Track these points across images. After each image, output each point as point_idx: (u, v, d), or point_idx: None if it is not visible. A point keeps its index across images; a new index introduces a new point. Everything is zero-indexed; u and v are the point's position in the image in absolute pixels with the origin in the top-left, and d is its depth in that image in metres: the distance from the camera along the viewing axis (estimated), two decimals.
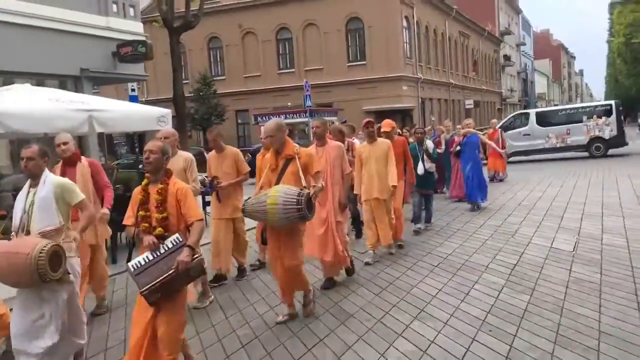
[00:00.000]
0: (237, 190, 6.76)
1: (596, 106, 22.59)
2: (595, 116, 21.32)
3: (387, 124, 8.12)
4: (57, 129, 7.67)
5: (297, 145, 5.37)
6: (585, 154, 21.46)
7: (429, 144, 9.51)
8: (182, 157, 6.14)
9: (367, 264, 7.26)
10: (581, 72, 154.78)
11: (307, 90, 25.78)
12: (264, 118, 26.82)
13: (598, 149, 21.24)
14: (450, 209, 11.46)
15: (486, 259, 7.09)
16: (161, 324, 3.87)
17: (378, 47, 31.44)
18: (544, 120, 22.09)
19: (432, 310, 5.34)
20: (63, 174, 5.48)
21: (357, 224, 8.98)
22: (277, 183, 5.12)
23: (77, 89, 11.75)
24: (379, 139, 7.50)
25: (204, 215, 3.98)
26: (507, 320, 4.89)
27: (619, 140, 21.14)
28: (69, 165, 5.75)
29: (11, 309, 4.34)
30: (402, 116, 31.60)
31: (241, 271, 7.15)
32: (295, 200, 4.76)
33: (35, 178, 4.37)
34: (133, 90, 18.74)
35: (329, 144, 6.34)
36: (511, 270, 6.46)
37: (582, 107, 23.12)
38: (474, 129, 12.07)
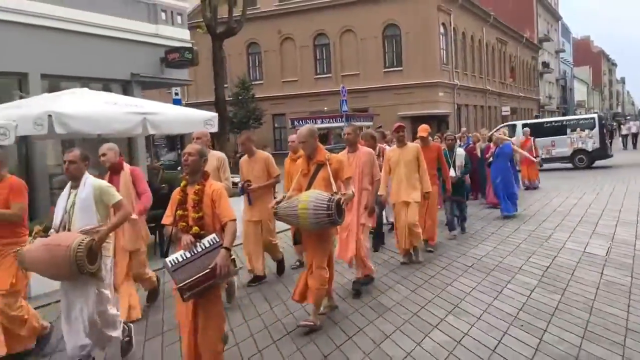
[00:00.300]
0: (267, 194, 6.93)
1: (580, 119, 23.55)
2: (578, 129, 21.81)
3: (423, 129, 8.31)
4: (114, 130, 8.29)
5: (327, 151, 5.54)
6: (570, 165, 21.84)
7: (460, 151, 9.58)
8: (215, 157, 6.37)
9: (403, 263, 7.50)
10: (622, 80, 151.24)
11: (344, 96, 26.23)
12: (300, 122, 27.22)
13: (581, 160, 21.71)
14: (485, 213, 11.66)
15: (519, 261, 7.32)
16: (201, 322, 4.07)
17: (415, 53, 31.63)
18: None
19: (466, 306, 5.63)
20: (110, 182, 5.71)
21: (378, 234, 8.70)
22: (309, 188, 5.28)
23: (128, 92, 12.34)
24: (409, 144, 7.65)
25: (236, 216, 4.17)
26: (538, 317, 5.15)
27: (602, 152, 21.65)
28: (114, 174, 6.04)
29: (58, 301, 4.73)
30: (438, 122, 31.68)
31: (280, 266, 7.41)
32: (325, 205, 4.88)
33: (76, 180, 4.64)
34: (177, 94, 19.48)
35: (360, 150, 6.44)
36: (543, 272, 6.69)
37: (567, 120, 23.94)
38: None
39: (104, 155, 5.99)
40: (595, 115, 23.14)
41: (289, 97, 34.61)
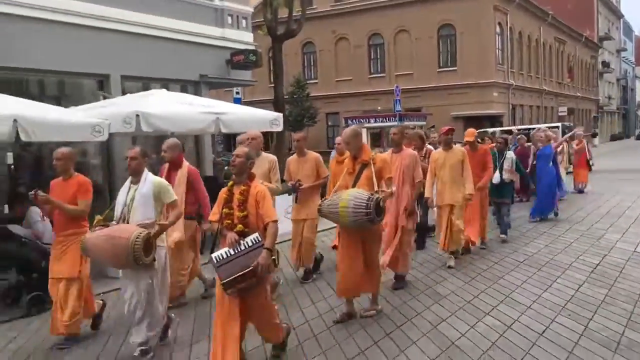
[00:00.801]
0: (315, 193, 7.05)
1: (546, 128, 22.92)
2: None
3: (469, 134, 8.40)
4: (191, 129, 9.09)
5: (372, 151, 5.75)
6: None
7: (509, 155, 9.55)
8: (267, 159, 6.57)
9: (449, 267, 7.47)
10: None
11: (398, 95, 26.51)
12: (354, 121, 27.69)
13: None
14: None
15: (570, 258, 7.66)
16: (254, 317, 4.41)
17: (470, 53, 31.61)
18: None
19: (517, 296, 6.07)
20: (168, 173, 6.31)
21: (422, 233, 8.77)
22: (354, 186, 5.46)
23: (197, 92, 13.16)
24: (455, 147, 7.73)
25: (277, 217, 4.43)
26: (585, 308, 5.56)
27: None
28: (173, 168, 6.36)
29: (118, 289, 5.28)
30: (492, 122, 31.56)
31: (315, 265, 7.45)
32: (364, 204, 5.05)
33: (136, 175, 4.96)
34: (237, 93, 20.32)
35: (404, 151, 6.59)
36: (593, 269, 7.03)
37: (532, 128, 23.10)
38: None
39: (164, 151, 6.32)
40: (560, 124, 22.95)
41: (343, 96, 35.16)
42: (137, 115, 7.93)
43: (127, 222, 4.82)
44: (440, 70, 33.01)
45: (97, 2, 11.10)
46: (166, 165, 6.43)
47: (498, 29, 32.92)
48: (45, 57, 10.17)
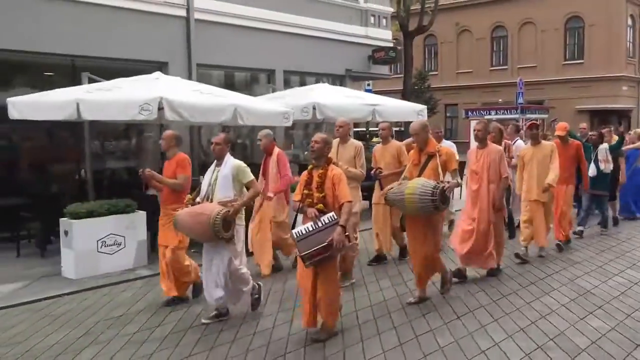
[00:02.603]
0: (396, 180, 6.80)
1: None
2: None
3: (561, 127, 8.33)
4: (353, 118, 10.74)
5: (437, 144, 6.02)
6: None
7: (603, 146, 9.34)
8: (353, 145, 6.91)
9: (518, 257, 7.54)
10: None
11: (520, 88, 26.82)
12: (474, 113, 28.44)
13: None
14: None
15: None
16: (320, 288, 4.82)
17: (598, 45, 31.04)
18: None
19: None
20: (265, 162, 7.15)
21: (510, 225, 8.71)
22: (419, 176, 5.69)
23: (342, 84, 14.92)
24: (544, 142, 7.78)
25: (351, 198, 4.87)
26: None
27: None
28: (268, 155, 7.16)
29: (200, 265, 5.71)
30: (619, 117, 30.93)
31: (403, 251, 7.70)
32: (430, 192, 5.31)
33: (219, 159, 5.51)
34: (369, 84, 21.94)
35: (489, 147, 6.63)
36: None
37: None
38: None
39: (259, 140, 7.15)
40: None
41: (462, 88, 35.75)
42: (314, 107, 9.75)
43: (211, 200, 5.37)
44: (565, 62, 32.66)
45: (265, 7, 13.08)
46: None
47: (630, 21, 31.96)
48: (234, 56, 12.39)
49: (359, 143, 7.04)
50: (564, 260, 7.69)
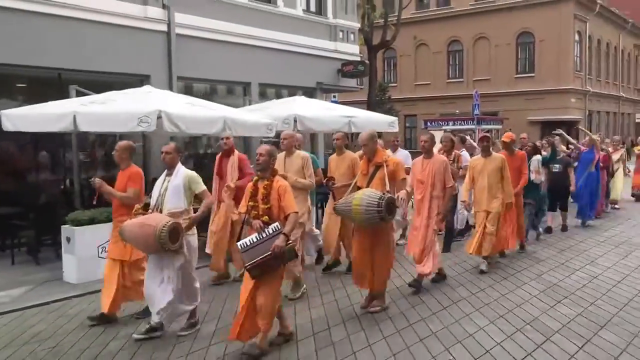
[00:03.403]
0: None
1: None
2: None
3: (507, 136, 8.59)
4: (332, 129, 11.34)
5: (387, 153, 6.17)
6: None
7: (536, 157, 9.51)
8: (300, 156, 6.93)
9: (482, 272, 7.58)
10: None
11: (476, 100, 28.06)
12: (433, 123, 29.64)
13: None
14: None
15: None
16: (260, 295, 4.78)
17: (548, 60, 32.72)
18: None
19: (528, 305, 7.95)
20: (220, 162, 7.18)
21: (448, 237, 9.01)
22: (367, 187, 5.84)
23: (313, 97, 15.48)
24: (494, 154, 7.92)
25: (297, 209, 4.91)
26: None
27: None
28: (225, 156, 7.20)
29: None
30: (567, 128, 32.57)
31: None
32: (376, 203, 5.41)
33: (170, 168, 5.45)
34: (334, 96, 22.64)
35: (435, 157, 6.76)
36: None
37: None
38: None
39: (227, 138, 7.27)
40: None
41: (421, 100, 36.95)
42: (295, 119, 10.28)
43: (161, 211, 5.28)
44: (517, 76, 34.25)
45: (242, 22, 13.57)
46: (219, 155, 7.47)
47: (577, 37, 33.82)
48: (213, 69, 12.85)
49: (306, 154, 7.12)
50: (530, 258, 8.47)
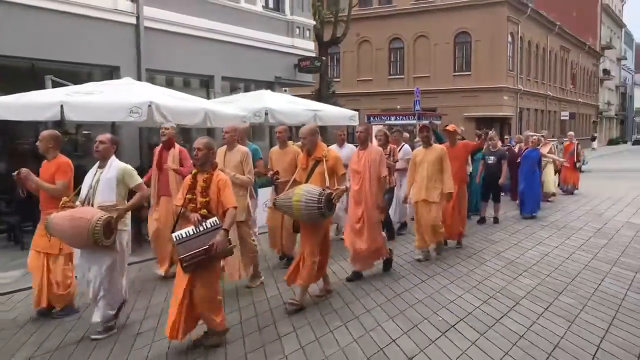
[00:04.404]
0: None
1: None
2: None
3: (451, 126, 8.87)
4: (299, 122, 11.91)
5: (326, 148, 6.07)
6: None
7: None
8: (240, 151, 6.66)
9: (418, 260, 7.91)
10: None
11: (417, 96, 29.30)
12: (376, 118, 30.59)
13: None
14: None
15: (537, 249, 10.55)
16: (197, 290, 4.65)
17: (483, 59, 34.48)
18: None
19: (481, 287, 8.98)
20: (160, 154, 7.00)
21: (389, 227, 8.95)
22: (307, 181, 5.80)
23: (273, 90, 16.02)
24: (435, 145, 8.01)
25: (236, 204, 4.81)
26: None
27: None
28: (166, 148, 7.02)
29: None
30: (501, 124, 34.56)
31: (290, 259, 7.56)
32: (316, 199, 5.38)
33: (103, 160, 5.20)
34: (285, 90, 23.18)
35: (370, 148, 6.78)
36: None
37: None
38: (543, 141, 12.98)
39: (167, 129, 7.09)
40: None
41: (363, 95, 37.98)
42: (266, 112, 10.78)
43: (91, 204, 5.03)
44: (455, 74, 35.85)
45: (206, 17, 13.92)
46: (159, 147, 7.28)
47: (510, 38, 35.79)
48: (178, 62, 13.16)
49: (246, 149, 6.81)
50: (486, 240, 9.40)
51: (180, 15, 13.12)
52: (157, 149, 7.24)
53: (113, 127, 11.22)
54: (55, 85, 9.58)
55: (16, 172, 5.44)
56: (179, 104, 8.92)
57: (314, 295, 6.23)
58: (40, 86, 9.63)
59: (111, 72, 11.87)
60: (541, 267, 7.60)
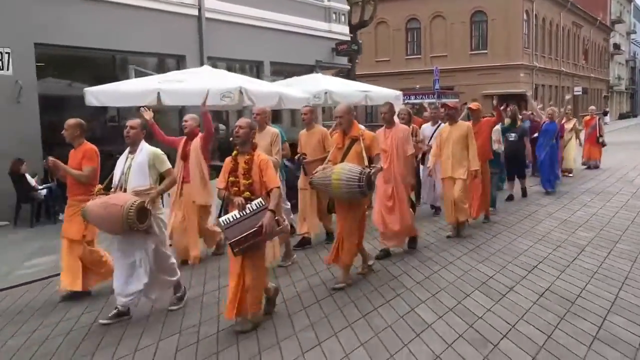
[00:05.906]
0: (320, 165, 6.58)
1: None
2: None
3: (474, 104, 8.85)
4: (351, 102, 12.86)
5: (362, 127, 6.01)
6: None
7: (496, 127, 9.42)
8: (270, 133, 6.67)
9: (448, 237, 7.85)
10: None
11: (436, 75, 30.17)
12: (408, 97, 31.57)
13: None
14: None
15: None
16: (247, 274, 4.62)
17: (499, 37, 35.23)
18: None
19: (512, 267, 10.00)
20: (185, 144, 6.91)
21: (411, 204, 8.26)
22: (342, 161, 5.67)
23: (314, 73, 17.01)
24: (460, 122, 7.93)
25: (280, 184, 4.66)
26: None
27: None
28: (190, 139, 6.94)
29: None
30: (517, 100, 35.35)
31: (329, 235, 7.63)
32: (357, 177, 5.32)
33: (134, 145, 5.13)
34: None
35: (397, 127, 6.78)
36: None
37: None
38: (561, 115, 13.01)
39: (186, 121, 6.96)
40: None
41: (381, 75, 38.70)
42: (326, 93, 11.75)
43: (124, 190, 5.00)
44: (472, 52, 36.64)
45: (259, 7, 14.92)
46: (184, 138, 7.10)
47: (525, 16, 36.48)
48: (234, 50, 14.16)
49: (276, 130, 6.85)
50: (536, 204, 10.40)
51: (236, 5, 14.16)
52: (183, 140, 7.11)
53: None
54: (138, 74, 10.60)
55: (45, 160, 5.72)
56: (259, 89, 9.92)
57: (355, 273, 6.16)
58: (124, 76, 10.69)
59: (178, 61, 12.89)
60: (593, 223, 8.65)
